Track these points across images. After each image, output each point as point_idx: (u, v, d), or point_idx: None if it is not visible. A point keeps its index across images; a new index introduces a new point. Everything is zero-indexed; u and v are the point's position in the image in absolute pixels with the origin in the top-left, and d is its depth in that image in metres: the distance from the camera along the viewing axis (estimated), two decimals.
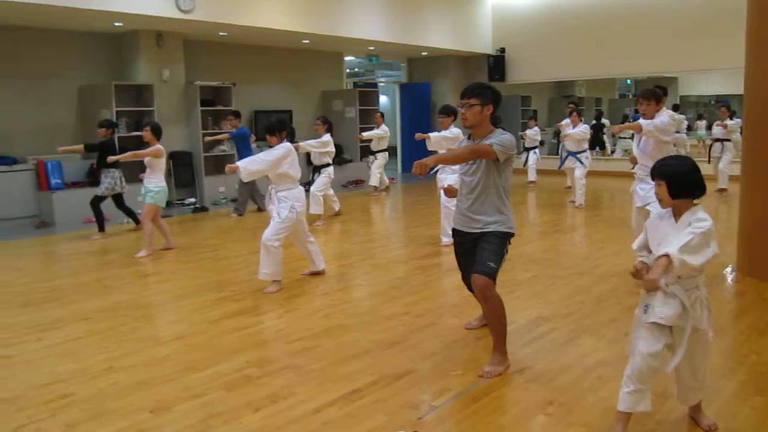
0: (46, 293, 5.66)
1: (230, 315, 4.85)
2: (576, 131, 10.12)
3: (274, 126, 5.52)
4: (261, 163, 5.37)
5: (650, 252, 2.84)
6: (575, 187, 10.22)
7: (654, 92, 5.41)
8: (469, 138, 3.88)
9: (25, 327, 4.69)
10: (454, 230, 3.95)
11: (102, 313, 4.98)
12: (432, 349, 4.02)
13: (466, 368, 3.70)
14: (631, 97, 19.96)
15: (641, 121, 5.24)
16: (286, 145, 5.52)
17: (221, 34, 11.16)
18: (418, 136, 7.24)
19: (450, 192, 4.08)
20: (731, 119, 13.54)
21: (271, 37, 11.69)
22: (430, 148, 7.15)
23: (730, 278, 5.65)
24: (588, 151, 10.48)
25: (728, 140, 11.31)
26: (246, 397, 3.37)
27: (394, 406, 3.26)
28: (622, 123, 16.26)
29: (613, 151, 16.31)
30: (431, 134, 7.03)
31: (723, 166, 11.14)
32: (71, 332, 4.55)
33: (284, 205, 5.48)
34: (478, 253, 3.66)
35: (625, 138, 16.16)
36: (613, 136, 5.94)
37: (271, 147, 5.53)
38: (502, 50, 15.46)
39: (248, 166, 5.33)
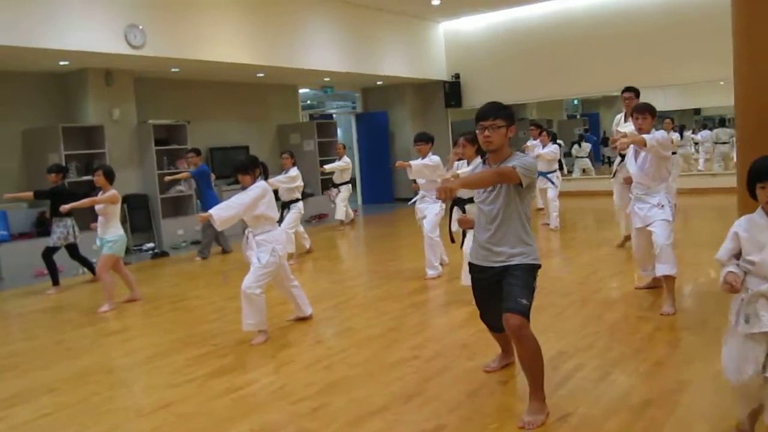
0: (1, 361, 5.04)
1: (217, 374, 4.34)
2: (547, 151, 9.94)
3: (246, 164, 5.07)
4: (235, 207, 4.90)
5: (737, 259, 2.65)
6: (548, 209, 10.03)
7: (648, 106, 5.22)
8: (484, 163, 3.54)
9: None
10: (471, 265, 3.59)
11: (70, 382, 4.41)
12: (456, 399, 3.60)
13: (501, 419, 3.31)
14: (578, 117, 20.19)
15: (645, 135, 5.00)
16: (261, 184, 5.07)
17: (173, 70, 10.68)
18: (399, 164, 6.90)
19: (465, 222, 3.71)
20: (679, 133, 13.70)
21: (225, 72, 11.26)
22: (411, 177, 6.86)
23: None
24: (558, 171, 10.30)
25: (674, 153, 11.24)
26: None
27: None
28: (578, 143, 16.58)
29: (570, 171, 16.29)
30: (412, 162, 6.70)
31: (672, 182, 11.01)
32: (38, 407, 3.97)
33: (264, 249, 5.01)
34: (506, 289, 3.30)
35: (583, 157, 16.22)
36: (615, 150, 5.87)
37: (243, 187, 5.08)
38: (457, 76, 15.36)
39: (222, 214, 4.84)
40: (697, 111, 16.76)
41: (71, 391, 4.23)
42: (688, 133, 15.20)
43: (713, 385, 3.56)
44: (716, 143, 14.98)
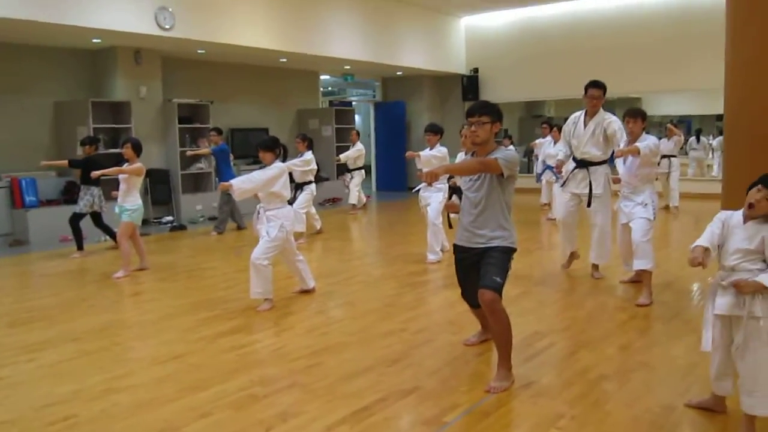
0: (30, 313, 5.54)
1: (225, 334, 4.80)
2: (553, 151, 10.28)
3: (269, 143, 5.51)
4: (255, 182, 5.35)
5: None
6: (554, 203, 10.40)
7: (640, 111, 5.57)
8: (472, 155, 3.94)
9: (14, 347, 4.58)
10: (455, 246, 3.99)
11: (92, 333, 4.89)
12: (435, 366, 4.03)
13: (471, 384, 3.73)
14: None
15: (638, 144, 5.35)
16: (280, 165, 5.51)
17: (199, 51, 11.13)
18: (409, 154, 7.35)
19: (452, 207, 4.13)
20: (696, 137, 14.04)
21: (249, 56, 11.69)
22: (419, 166, 7.26)
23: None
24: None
25: (674, 156, 11.51)
26: (255, 416, 3.34)
27: (406, 423, 3.27)
28: None
29: None
30: (421, 153, 7.12)
31: (675, 184, 11.35)
32: (63, 353, 4.45)
33: (273, 224, 5.45)
34: (483, 268, 3.70)
35: None
36: (617, 157, 5.85)
37: (264, 164, 5.52)
38: (476, 70, 15.67)
39: (242, 185, 5.32)
40: (720, 117, 16.89)
41: (94, 341, 4.71)
42: (704, 138, 15.37)
43: (667, 367, 3.95)
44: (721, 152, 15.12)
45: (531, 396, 3.53)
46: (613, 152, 6.09)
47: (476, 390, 3.63)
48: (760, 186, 2.91)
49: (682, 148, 12.41)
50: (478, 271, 3.77)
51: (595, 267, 6.40)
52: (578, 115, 6.24)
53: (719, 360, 3.08)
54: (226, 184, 5.39)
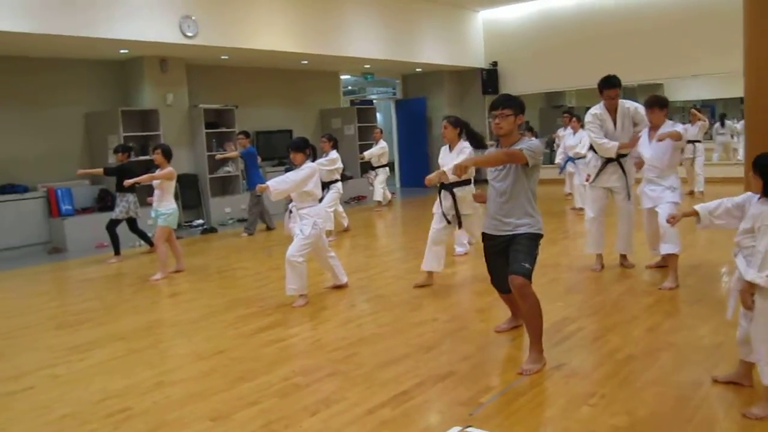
0: (76, 315, 5.79)
1: (264, 329, 4.99)
2: (577, 141, 10.38)
3: (300, 144, 5.70)
4: (290, 182, 5.56)
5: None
6: (575, 193, 10.48)
7: (658, 100, 5.65)
8: (497, 146, 4.08)
9: (65, 348, 4.82)
10: (484, 234, 4.13)
11: (137, 333, 5.11)
12: (468, 352, 4.18)
13: (504, 367, 3.89)
14: None
15: (679, 128, 5.45)
16: (312, 165, 5.71)
17: (222, 57, 11.36)
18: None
19: (479, 197, 4.28)
20: (720, 122, 13.99)
21: (271, 59, 11.92)
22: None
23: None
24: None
25: (699, 141, 11.50)
26: (300, 402, 3.52)
27: (444, 404, 3.43)
28: None
29: None
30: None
31: (700, 170, 11.35)
32: (112, 351, 4.68)
33: (307, 222, 5.64)
34: (512, 255, 3.84)
35: None
36: (660, 140, 5.72)
37: (295, 165, 5.71)
38: (495, 64, 15.76)
39: (278, 186, 5.52)
40: (744, 99, 16.74)
41: (139, 339, 4.93)
42: (729, 122, 15.29)
43: (693, 347, 4.06)
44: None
45: (562, 377, 3.67)
46: None
47: (509, 372, 3.78)
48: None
49: (706, 132, 12.38)
50: (507, 257, 3.91)
51: (624, 257, 6.38)
52: (600, 112, 6.05)
53: (744, 325, 3.23)
54: (263, 186, 5.59)
